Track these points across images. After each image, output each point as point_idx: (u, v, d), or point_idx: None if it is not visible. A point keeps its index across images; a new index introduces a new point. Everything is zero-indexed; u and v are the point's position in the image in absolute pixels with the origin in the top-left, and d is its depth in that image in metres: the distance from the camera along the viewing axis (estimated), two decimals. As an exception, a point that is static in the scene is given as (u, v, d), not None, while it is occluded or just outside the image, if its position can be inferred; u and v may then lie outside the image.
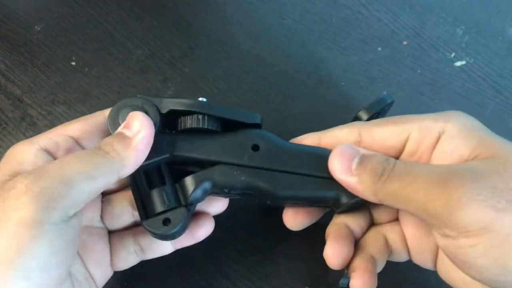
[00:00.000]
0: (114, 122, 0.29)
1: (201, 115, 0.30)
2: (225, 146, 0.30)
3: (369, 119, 0.37)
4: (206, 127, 0.30)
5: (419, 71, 0.45)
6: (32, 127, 0.42)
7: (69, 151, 0.29)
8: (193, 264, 0.37)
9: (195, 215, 0.32)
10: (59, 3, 0.48)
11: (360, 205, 0.31)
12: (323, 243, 0.38)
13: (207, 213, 0.33)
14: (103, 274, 0.32)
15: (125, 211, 0.32)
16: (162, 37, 0.46)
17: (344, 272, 0.34)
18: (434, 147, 0.27)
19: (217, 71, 0.45)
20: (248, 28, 0.47)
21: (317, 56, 0.46)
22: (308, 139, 0.32)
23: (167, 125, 0.31)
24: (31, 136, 0.41)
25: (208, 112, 0.30)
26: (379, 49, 0.46)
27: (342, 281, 0.35)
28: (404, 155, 0.29)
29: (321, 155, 0.30)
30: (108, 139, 0.27)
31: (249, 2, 0.48)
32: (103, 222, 0.32)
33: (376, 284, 0.30)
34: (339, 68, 0.45)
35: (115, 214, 0.32)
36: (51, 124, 0.42)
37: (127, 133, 0.27)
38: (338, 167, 0.27)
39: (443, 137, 0.27)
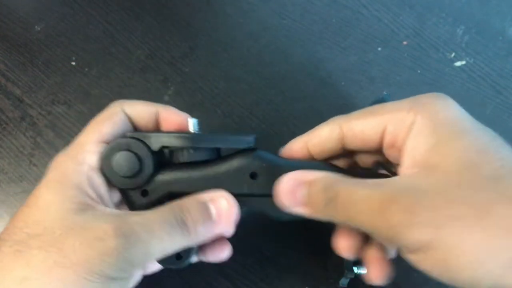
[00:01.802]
0: (108, 167, 0.29)
1: (195, 149, 0.30)
2: (223, 177, 0.30)
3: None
4: (202, 159, 0.30)
5: (419, 71, 0.45)
6: (32, 127, 0.42)
7: None
8: (193, 264, 0.37)
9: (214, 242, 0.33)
10: (59, 3, 0.48)
11: None
12: (323, 243, 0.38)
13: (224, 239, 0.33)
14: (134, 279, 0.32)
15: None
16: (162, 37, 0.46)
17: (344, 272, 0.35)
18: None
19: (217, 71, 0.45)
20: (248, 28, 0.47)
21: (317, 56, 0.46)
22: (296, 145, 0.32)
23: (159, 158, 0.30)
24: (31, 136, 0.42)
25: (200, 145, 0.30)
26: (379, 49, 0.46)
27: (342, 281, 0.35)
28: (385, 147, 0.29)
29: None
30: (196, 215, 0.27)
31: (249, 2, 0.48)
32: None
33: (392, 271, 0.30)
34: (339, 68, 0.45)
35: None
36: (51, 124, 0.42)
37: (213, 215, 0.28)
38: (286, 203, 0.28)
39: (412, 130, 0.26)
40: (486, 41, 0.47)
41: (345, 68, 0.45)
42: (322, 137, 0.30)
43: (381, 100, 0.38)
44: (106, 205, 0.28)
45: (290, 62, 0.45)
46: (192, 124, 0.31)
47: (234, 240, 0.38)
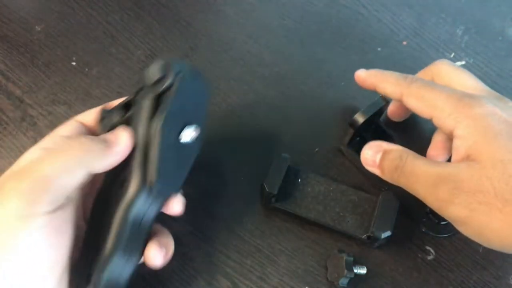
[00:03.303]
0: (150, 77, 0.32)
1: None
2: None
3: (365, 121, 0.37)
4: None
5: (419, 71, 0.45)
6: (32, 127, 0.42)
7: None
8: (193, 264, 0.37)
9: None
10: (59, 3, 0.48)
11: None
12: (322, 243, 0.38)
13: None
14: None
15: None
16: (162, 37, 0.46)
17: (344, 272, 0.35)
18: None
19: (217, 71, 0.45)
20: (248, 28, 0.47)
21: (317, 56, 0.46)
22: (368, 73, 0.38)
23: None
24: (31, 136, 0.42)
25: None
26: (379, 49, 0.46)
27: (342, 281, 0.35)
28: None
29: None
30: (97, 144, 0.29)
31: (249, 2, 0.48)
32: None
33: None
34: (339, 68, 0.45)
35: None
36: (52, 124, 0.42)
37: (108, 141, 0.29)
38: (368, 162, 0.34)
39: (457, 129, 0.30)
40: (485, 41, 0.47)
41: (345, 68, 0.45)
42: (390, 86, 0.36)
43: (381, 100, 0.38)
44: None
45: (290, 62, 0.46)
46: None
47: (234, 239, 0.38)
